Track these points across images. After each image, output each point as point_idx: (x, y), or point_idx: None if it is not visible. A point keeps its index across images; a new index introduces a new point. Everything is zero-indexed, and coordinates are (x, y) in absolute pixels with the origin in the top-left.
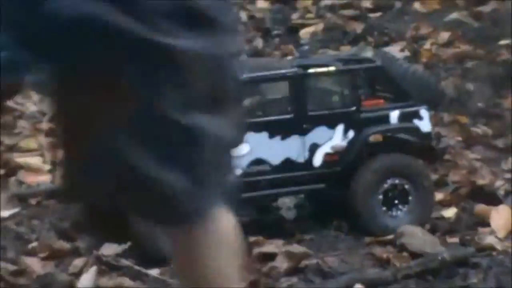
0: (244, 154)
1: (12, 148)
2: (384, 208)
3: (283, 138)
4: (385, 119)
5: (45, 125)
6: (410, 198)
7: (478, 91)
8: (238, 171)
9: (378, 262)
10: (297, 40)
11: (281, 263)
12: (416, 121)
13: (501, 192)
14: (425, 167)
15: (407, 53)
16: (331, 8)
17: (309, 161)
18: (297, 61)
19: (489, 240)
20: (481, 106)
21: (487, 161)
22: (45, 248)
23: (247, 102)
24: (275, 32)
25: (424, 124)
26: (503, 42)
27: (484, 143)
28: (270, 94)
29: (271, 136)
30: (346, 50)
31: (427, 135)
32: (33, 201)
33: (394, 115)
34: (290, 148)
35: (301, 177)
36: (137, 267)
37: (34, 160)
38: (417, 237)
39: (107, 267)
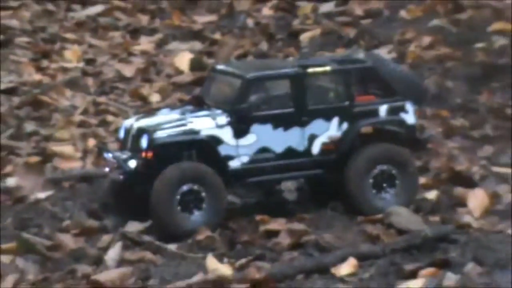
0: (251, 143)
1: (48, 138)
2: (374, 191)
3: (285, 129)
4: (375, 112)
5: (76, 118)
6: (397, 182)
7: (457, 88)
8: (246, 158)
9: (369, 238)
10: (297, 44)
11: (284, 239)
12: (402, 115)
13: (477, 177)
14: (410, 155)
15: (394, 55)
16: (328, 15)
17: (308, 149)
18: (298, 61)
19: (466, 219)
20: (459, 101)
21: (465, 150)
22: (77, 226)
23: (254, 97)
24: (278, 36)
25: (409, 117)
26: (478, 45)
27: (462, 134)
28: (274, 91)
29: (275, 127)
30: (341, 52)
31: (412, 126)
32: (66, 185)
33: (383, 109)
34: (292, 138)
35: (301, 163)
36: (157, 243)
37: (67, 149)
38: (403, 216)
39: (131, 243)
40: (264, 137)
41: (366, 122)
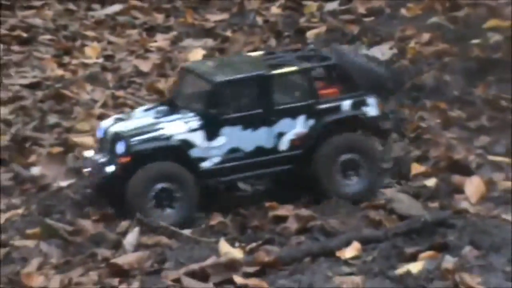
0: (222, 145)
1: (70, 130)
2: (340, 178)
3: (254, 129)
4: (338, 108)
5: (96, 111)
6: (361, 168)
7: (454, 81)
8: (217, 159)
9: (372, 223)
10: (304, 40)
11: (292, 224)
12: (364, 108)
13: (473, 165)
14: (373, 144)
15: (395, 50)
16: (332, 14)
17: (276, 146)
18: (264, 58)
19: (464, 205)
20: (456, 94)
21: (462, 140)
22: (97, 212)
23: (223, 101)
24: (286, 33)
25: (371, 110)
26: (474, 41)
27: (459, 125)
28: (242, 93)
29: (244, 128)
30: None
31: (374, 118)
32: (86, 173)
33: (346, 104)
34: (260, 137)
35: (271, 160)
36: (172, 228)
37: (87, 140)
38: (404, 202)
39: (147, 228)
40: (234, 138)
41: (329, 119)
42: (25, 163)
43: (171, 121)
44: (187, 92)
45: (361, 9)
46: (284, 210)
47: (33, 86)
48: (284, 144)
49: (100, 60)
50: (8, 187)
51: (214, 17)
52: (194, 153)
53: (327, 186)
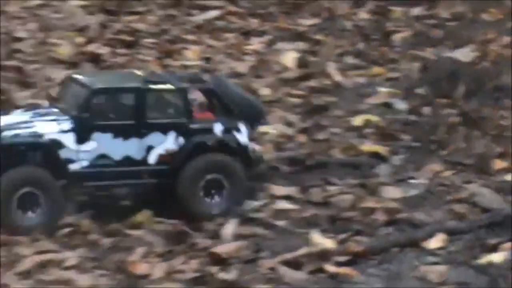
0: (91, 149)
1: None
2: (203, 196)
3: (124, 139)
4: (210, 130)
5: None
6: (224, 189)
7: None
8: (86, 163)
9: (456, 216)
10: (390, 44)
11: (380, 216)
12: (235, 134)
13: None
14: (238, 166)
15: (477, 53)
16: (417, 18)
17: (145, 159)
18: (145, 77)
19: None
20: None
21: None
22: None
23: (97, 107)
24: (373, 37)
25: (242, 137)
26: None
27: None
28: (117, 103)
29: (115, 136)
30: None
31: (244, 145)
32: None
33: (218, 128)
34: (130, 147)
35: (138, 172)
36: (269, 219)
37: None
38: (486, 196)
39: (245, 219)
40: (103, 144)
41: (200, 139)
42: None
43: (45, 120)
44: (66, 98)
45: (445, 14)
46: (373, 202)
47: None
48: (152, 158)
49: (200, 62)
50: None
51: (306, 22)
52: (63, 153)
53: (189, 203)
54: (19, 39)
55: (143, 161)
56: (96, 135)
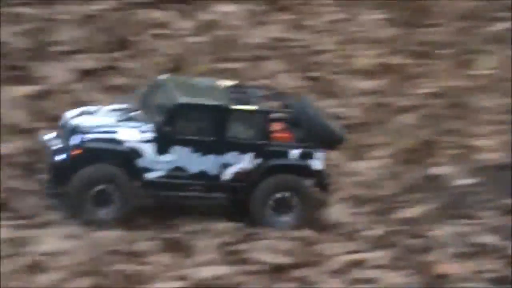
0: (169, 161)
1: (468, 134)
2: (272, 212)
3: (202, 154)
4: (285, 154)
5: (492, 117)
6: (293, 205)
7: None
8: (161, 173)
9: None
10: None
11: None
12: (310, 160)
13: None
14: (307, 186)
15: None
16: None
17: (219, 175)
18: (231, 89)
19: None
20: None
21: None
22: None
23: (180, 121)
24: None
25: (316, 163)
26: None
27: None
28: (200, 118)
29: (194, 151)
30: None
31: (317, 172)
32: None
33: (294, 152)
34: (206, 163)
35: (210, 186)
36: None
37: (485, 142)
38: None
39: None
40: (181, 157)
41: (276, 162)
42: (432, 163)
43: (128, 127)
44: (152, 102)
45: None
46: None
47: (434, 95)
48: (227, 175)
49: (492, 72)
50: (419, 184)
51: None
52: (141, 162)
53: (260, 218)
54: (321, 52)
55: (217, 177)
56: (176, 148)
